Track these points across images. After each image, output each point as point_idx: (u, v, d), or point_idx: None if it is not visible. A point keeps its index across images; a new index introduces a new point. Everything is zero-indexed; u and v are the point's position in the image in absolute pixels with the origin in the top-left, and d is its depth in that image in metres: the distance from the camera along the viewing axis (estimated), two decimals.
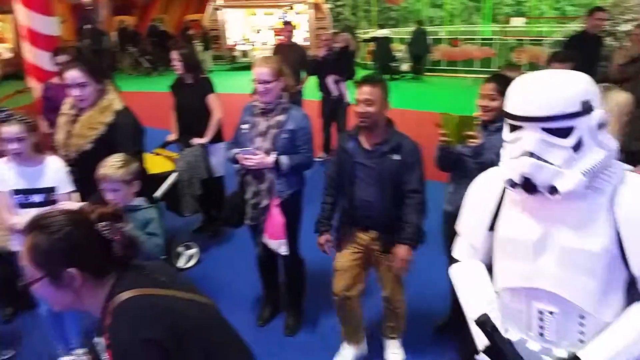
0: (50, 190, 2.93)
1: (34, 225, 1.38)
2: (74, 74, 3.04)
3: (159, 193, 4.09)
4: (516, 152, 1.47)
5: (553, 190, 1.43)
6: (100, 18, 16.93)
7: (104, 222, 1.43)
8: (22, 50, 5.84)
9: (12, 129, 2.80)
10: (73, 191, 3.03)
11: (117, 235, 1.44)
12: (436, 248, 3.15)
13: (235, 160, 3.22)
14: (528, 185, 1.46)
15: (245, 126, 3.24)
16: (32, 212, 2.71)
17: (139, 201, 2.66)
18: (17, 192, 2.92)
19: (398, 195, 2.79)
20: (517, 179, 1.47)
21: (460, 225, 1.86)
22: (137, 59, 16.29)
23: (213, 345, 1.47)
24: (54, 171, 2.95)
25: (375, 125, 2.76)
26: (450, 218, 3.13)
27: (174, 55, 4.57)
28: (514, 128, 1.50)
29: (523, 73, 3.69)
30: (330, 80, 6.79)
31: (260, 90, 3.10)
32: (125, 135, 3.07)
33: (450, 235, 3.11)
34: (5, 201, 2.93)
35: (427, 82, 14.40)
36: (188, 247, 4.48)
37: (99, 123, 3.08)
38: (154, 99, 7.91)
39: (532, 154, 1.43)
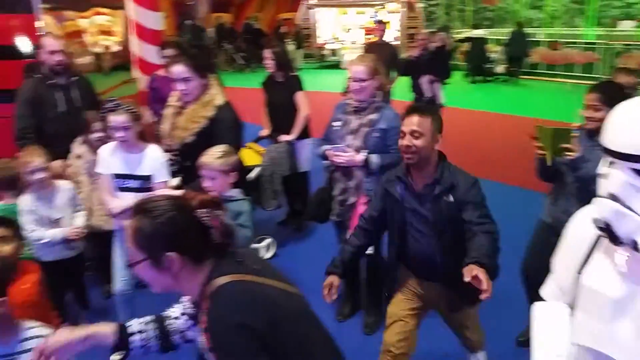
0: (146, 177, 3.04)
1: (139, 209, 1.45)
2: (179, 69, 3.18)
3: (252, 174, 4.28)
4: (604, 191, 1.25)
5: (635, 245, 1.19)
6: (199, 14, 17.71)
7: (204, 209, 1.48)
8: (130, 43, 6.22)
9: (119, 118, 2.94)
10: (171, 180, 3.15)
11: (215, 222, 1.49)
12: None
13: (325, 157, 3.26)
14: (610, 233, 1.23)
15: (337, 123, 3.26)
16: (128, 196, 2.91)
17: (234, 192, 2.74)
18: (117, 176, 3.08)
19: (460, 241, 2.35)
20: (601, 222, 1.24)
21: (553, 263, 1.64)
22: (232, 55, 16.90)
23: (301, 336, 1.49)
24: (152, 160, 3.06)
25: (424, 161, 2.39)
26: (544, 229, 2.99)
27: (267, 53, 4.71)
28: (611, 161, 1.26)
29: (636, 79, 3.44)
30: (424, 80, 6.67)
31: (355, 88, 3.11)
32: (225, 129, 3.18)
33: (538, 246, 2.95)
34: (107, 183, 3.13)
35: (523, 85, 13.86)
36: (261, 240, 4.53)
37: (201, 117, 3.21)
38: (246, 95, 8.14)
39: (615, 198, 1.21)
